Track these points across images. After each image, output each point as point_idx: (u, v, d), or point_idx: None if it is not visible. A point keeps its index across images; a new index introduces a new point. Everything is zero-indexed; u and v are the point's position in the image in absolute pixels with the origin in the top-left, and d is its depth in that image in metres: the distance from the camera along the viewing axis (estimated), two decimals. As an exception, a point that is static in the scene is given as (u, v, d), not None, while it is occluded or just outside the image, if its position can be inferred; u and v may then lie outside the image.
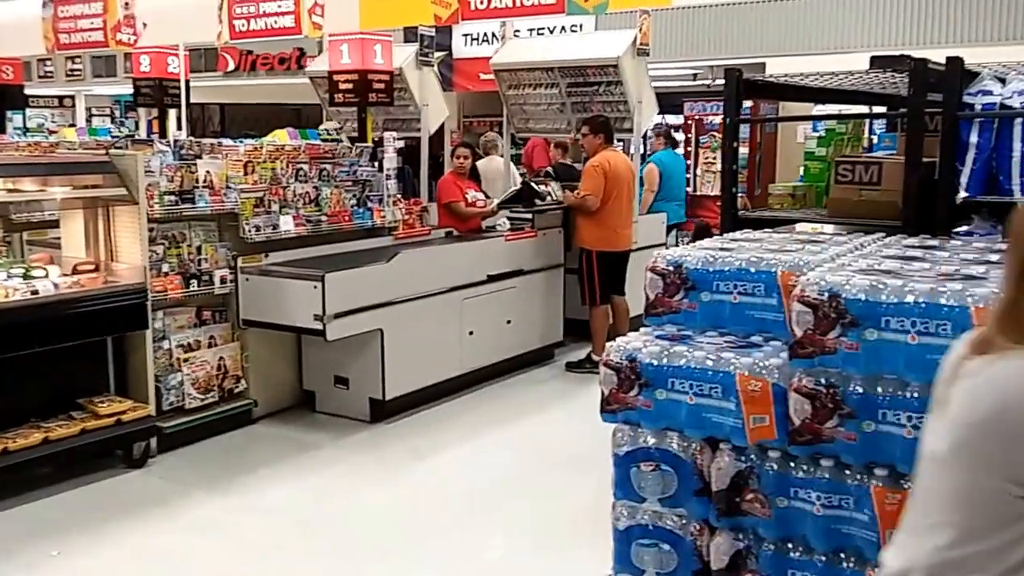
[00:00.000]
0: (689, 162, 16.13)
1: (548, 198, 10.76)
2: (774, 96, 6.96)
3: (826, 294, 3.32)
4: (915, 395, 3.26)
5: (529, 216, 10.67)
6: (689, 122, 16.36)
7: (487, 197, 11.02)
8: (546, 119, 12.27)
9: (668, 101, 15.44)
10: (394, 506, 6.86)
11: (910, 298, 3.20)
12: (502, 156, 13.33)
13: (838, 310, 3.30)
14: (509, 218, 10.71)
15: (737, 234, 4.66)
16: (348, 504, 6.90)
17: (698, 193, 16.04)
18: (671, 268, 3.94)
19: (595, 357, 10.05)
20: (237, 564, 5.98)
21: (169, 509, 6.72)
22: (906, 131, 4.97)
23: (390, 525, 6.55)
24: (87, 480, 7.06)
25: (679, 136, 15.89)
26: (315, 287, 7.70)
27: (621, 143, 11.67)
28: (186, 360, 7.82)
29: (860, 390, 3.35)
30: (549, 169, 13.77)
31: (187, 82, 13.18)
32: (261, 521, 6.61)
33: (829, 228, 5.09)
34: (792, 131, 14.63)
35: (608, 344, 4.01)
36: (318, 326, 7.73)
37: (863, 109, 6.94)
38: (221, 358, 8.07)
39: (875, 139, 7.19)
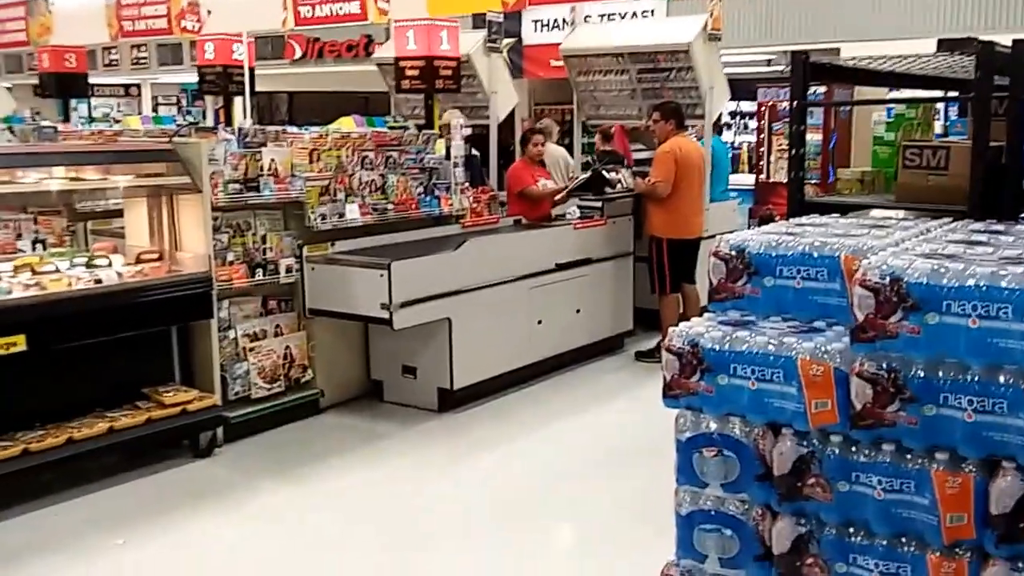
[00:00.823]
0: (763, 149, 16.01)
1: (619, 185, 10.71)
2: (842, 80, 6.88)
3: (888, 278, 3.27)
4: (976, 379, 3.22)
5: (599, 204, 10.63)
6: (762, 109, 16.20)
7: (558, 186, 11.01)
8: (617, 105, 12.23)
9: (742, 87, 15.32)
10: (461, 496, 6.89)
11: (971, 282, 3.14)
12: (556, 143, 13.24)
13: (899, 294, 3.24)
14: (579, 206, 10.68)
15: (803, 219, 4.60)
16: (414, 494, 6.92)
17: (771, 180, 15.89)
18: (734, 253, 3.89)
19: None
20: (301, 554, 6.01)
21: (234, 499, 6.78)
22: (972, 115, 4.88)
23: (457, 515, 6.58)
24: (153, 470, 7.13)
25: (752, 123, 15.74)
26: (382, 276, 7.71)
27: (692, 129, 11.59)
28: (252, 349, 7.87)
29: (921, 374, 3.30)
30: (591, 159, 13.62)
31: (252, 70, 13.19)
32: (326, 511, 6.65)
33: (898, 214, 5.02)
34: (867, 118, 14.43)
35: (670, 330, 3.98)
36: (385, 315, 7.74)
37: (936, 95, 6.85)
38: (287, 347, 8.11)
39: (947, 126, 7.10)
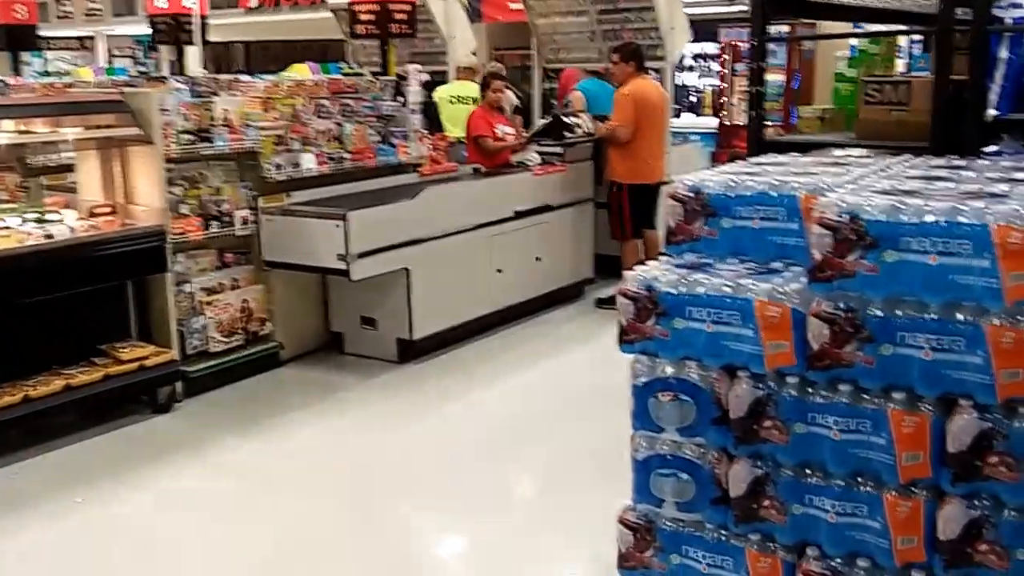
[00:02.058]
0: (725, 88, 15.93)
1: (578, 130, 10.61)
2: (804, 15, 6.82)
3: (845, 216, 3.21)
4: (934, 317, 3.18)
5: (559, 149, 10.51)
6: (725, 49, 16.10)
7: (517, 131, 10.90)
8: (576, 48, 12.13)
9: (704, 28, 15.22)
10: (421, 446, 6.86)
11: (930, 218, 3.09)
12: (509, 88, 13.08)
13: (857, 232, 3.19)
14: (538, 152, 10.57)
15: (761, 158, 4.54)
16: (375, 444, 6.90)
17: (734, 123, 15.82)
18: (691, 194, 3.82)
19: (626, 293, 9.96)
20: (265, 506, 5.98)
21: (195, 453, 6.72)
22: (935, 48, 4.81)
23: (417, 465, 6.56)
24: (112, 426, 7.06)
25: (715, 65, 15.66)
26: (338, 226, 7.60)
27: (655, 72, 11.48)
28: (209, 303, 7.76)
29: (879, 313, 3.26)
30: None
31: (204, 18, 13.03)
32: (288, 463, 6.62)
33: (853, 150, 4.96)
34: (831, 57, 14.40)
35: (625, 274, 3.92)
36: (342, 266, 7.65)
37: (899, 28, 6.79)
38: (245, 301, 8.01)
39: (911, 62, 7.04)
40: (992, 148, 4.62)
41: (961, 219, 3.03)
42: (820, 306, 3.34)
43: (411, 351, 8.44)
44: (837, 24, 10.11)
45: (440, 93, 12.07)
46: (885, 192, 3.37)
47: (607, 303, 10.07)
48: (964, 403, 3.16)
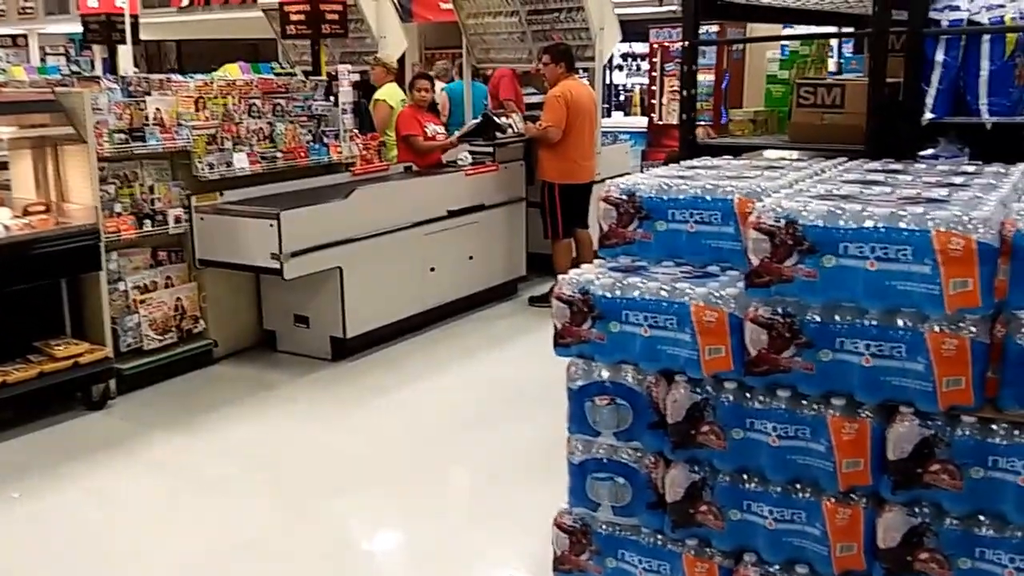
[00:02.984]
0: (654, 88, 15.98)
1: (509, 130, 10.60)
2: (735, 17, 6.82)
3: (783, 220, 3.20)
4: (873, 323, 3.18)
5: (490, 149, 10.51)
6: (654, 49, 16.14)
7: (447, 130, 10.87)
8: (507, 49, 12.07)
9: (632, 28, 15.23)
10: (354, 443, 6.84)
11: (869, 223, 3.08)
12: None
13: (795, 237, 3.18)
14: (470, 152, 10.55)
15: (694, 161, 4.54)
16: (308, 442, 6.87)
17: (663, 123, 15.87)
18: (625, 197, 3.80)
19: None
20: (198, 503, 5.94)
21: (129, 450, 6.68)
22: (870, 50, 4.83)
23: (350, 462, 6.53)
24: (47, 423, 7.02)
25: (644, 64, 15.67)
26: (271, 225, 7.55)
27: (584, 72, 11.48)
28: (143, 301, 7.71)
29: (818, 319, 3.26)
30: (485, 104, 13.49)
31: (135, 17, 12.90)
32: (222, 460, 6.60)
33: (787, 153, 4.97)
34: (761, 57, 14.46)
35: (560, 278, 3.90)
36: (275, 265, 7.61)
37: (831, 31, 6.81)
38: (178, 299, 7.95)
39: (842, 63, 7.07)
40: (928, 151, 4.64)
41: (901, 225, 3.03)
42: (757, 311, 3.34)
43: (344, 349, 8.41)
44: (767, 26, 10.18)
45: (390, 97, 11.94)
46: (822, 197, 3.37)
47: (540, 300, 10.09)
48: (905, 410, 3.17)
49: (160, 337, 7.82)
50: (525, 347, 8.87)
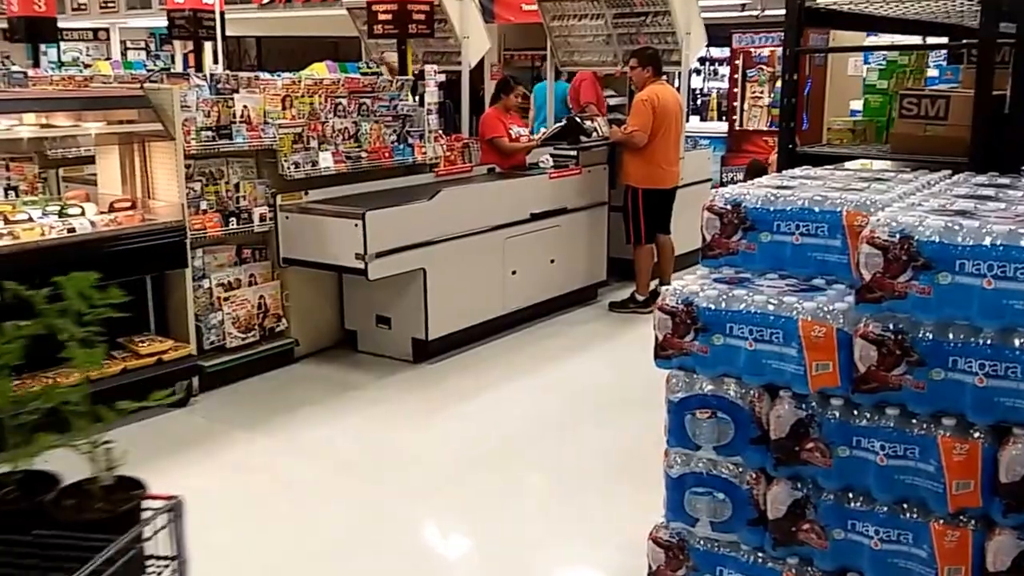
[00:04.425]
0: (736, 90, 15.94)
1: (594, 134, 10.56)
2: (838, 25, 6.70)
3: (898, 235, 3.13)
4: (988, 342, 3.09)
5: (574, 153, 10.47)
6: (737, 55, 16.07)
7: (532, 133, 10.84)
8: (592, 51, 12.06)
9: (715, 33, 15.17)
10: (434, 447, 6.84)
11: (987, 240, 3.01)
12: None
13: (910, 252, 3.11)
14: (553, 155, 10.51)
15: (797, 171, 4.46)
16: (388, 444, 6.88)
17: (745, 128, 15.79)
18: (729, 207, 3.75)
19: (638, 296, 9.95)
20: (280, 503, 5.97)
21: (210, 448, 6.73)
22: (977, 62, 4.73)
23: (429, 466, 6.54)
24: (129, 420, 6.96)
25: (722, 69, 15.63)
26: (356, 225, 7.57)
27: (666, 75, 11.42)
28: (226, 299, 7.77)
29: (930, 336, 3.18)
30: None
31: (222, 14, 12.94)
32: (300, 460, 6.62)
33: (887, 165, 4.88)
34: (842, 64, 14.35)
35: (663, 288, 3.86)
36: (360, 265, 7.62)
37: (941, 41, 6.71)
38: (261, 297, 8.00)
39: (933, 72, 6.95)
40: (1033, 166, 4.55)
41: (1022, 243, 2.96)
42: (868, 327, 3.27)
43: (425, 351, 8.41)
44: (851, 33, 10.05)
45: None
46: (936, 211, 3.30)
47: (620, 306, 10.07)
48: (1018, 432, 3.09)
49: (243, 335, 7.88)
50: (605, 353, 8.89)
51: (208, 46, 13.71)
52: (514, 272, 9.24)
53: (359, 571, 5.25)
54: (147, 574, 2.71)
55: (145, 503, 2.77)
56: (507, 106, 10.59)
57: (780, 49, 13.53)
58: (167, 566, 2.77)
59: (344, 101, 8.75)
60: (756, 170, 8.63)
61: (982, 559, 3.23)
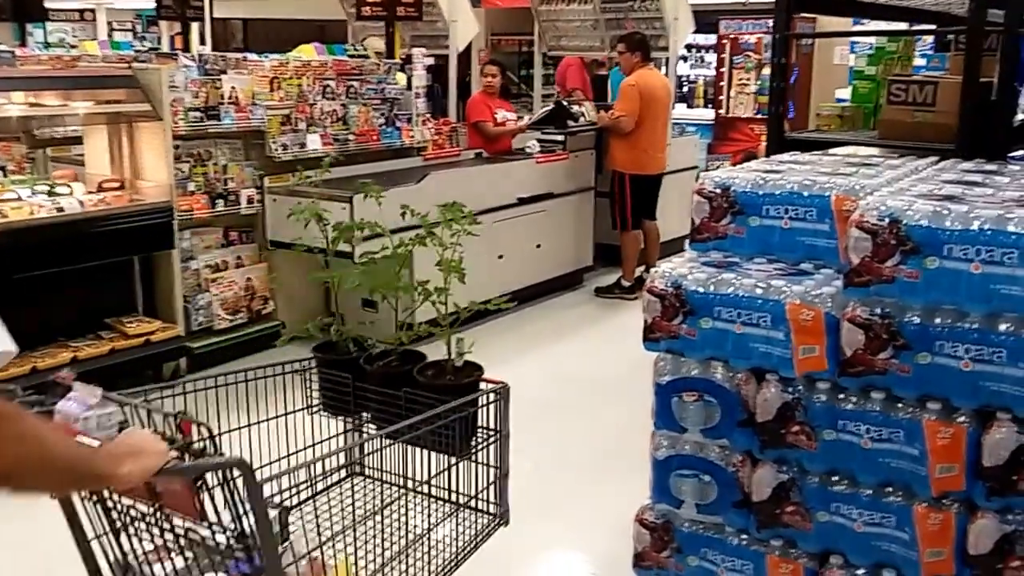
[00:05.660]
0: (722, 80, 15.94)
1: (581, 119, 10.57)
2: (827, 10, 6.73)
3: (886, 219, 3.15)
4: (974, 326, 3.12)
5: (561, 138, 10.46)
6: (723, 42, 16.07)
7: (518, 117, 10.84)
8: (579, 37, 12.06)
9: (702, 19, 15.19)
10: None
11: (976, 225, 3.03)
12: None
13: (898, 236, 3.13)
14: (540, 140, 10.51)
15: (786, 156, 4.48)
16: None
17: (731, 115, 15.81)
18: (718, 191, 3.76)
19: (624, 282, 9.97)
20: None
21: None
22: (965, 49, 4.75)
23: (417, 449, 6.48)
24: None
25: (708, 56, 15.64)
26: (343, 208, 7.54)
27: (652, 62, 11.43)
28: (214, 280, 7.76)
29: (917, 321, 3.21)
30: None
31: (209, -6, 12.97)
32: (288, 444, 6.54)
33: (875, 151, 4.90)
34: (829, 51, 14.39)
35: (652, 271, 3.87)
36: (346, 248, 7.58)
37: (929, 28, 6.74)
38: (249, 279, 8.00)
39: (919, 61, 6.97)
40: (1020, 152, 4.58)
41: (1010, 228, 2.98)
42: (855, 311, 3.29)
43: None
44: (837, 19, 10.08)
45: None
46: (924, 196, 3.31)
47: (606, 291, 10.09)
48: (1003, 416, 3.12)
49: (230, 317, 7.87)
50: (591, 337, 8.90)
51: (195, 27, 13.69)
52: (500, 256, 9.23)
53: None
54: (477, 436, 3.95)
55: (481, 384, 4.02)
56: (488, 89, 10.58)
57: (767, 36, 13.59)
58: (492, 437, 3.98)
59: (332, 83, 8.73)
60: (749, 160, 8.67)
61: (964, 542, 3.26)
